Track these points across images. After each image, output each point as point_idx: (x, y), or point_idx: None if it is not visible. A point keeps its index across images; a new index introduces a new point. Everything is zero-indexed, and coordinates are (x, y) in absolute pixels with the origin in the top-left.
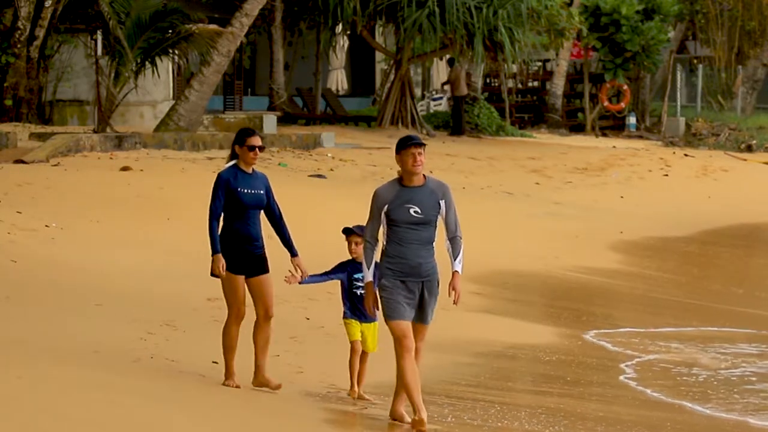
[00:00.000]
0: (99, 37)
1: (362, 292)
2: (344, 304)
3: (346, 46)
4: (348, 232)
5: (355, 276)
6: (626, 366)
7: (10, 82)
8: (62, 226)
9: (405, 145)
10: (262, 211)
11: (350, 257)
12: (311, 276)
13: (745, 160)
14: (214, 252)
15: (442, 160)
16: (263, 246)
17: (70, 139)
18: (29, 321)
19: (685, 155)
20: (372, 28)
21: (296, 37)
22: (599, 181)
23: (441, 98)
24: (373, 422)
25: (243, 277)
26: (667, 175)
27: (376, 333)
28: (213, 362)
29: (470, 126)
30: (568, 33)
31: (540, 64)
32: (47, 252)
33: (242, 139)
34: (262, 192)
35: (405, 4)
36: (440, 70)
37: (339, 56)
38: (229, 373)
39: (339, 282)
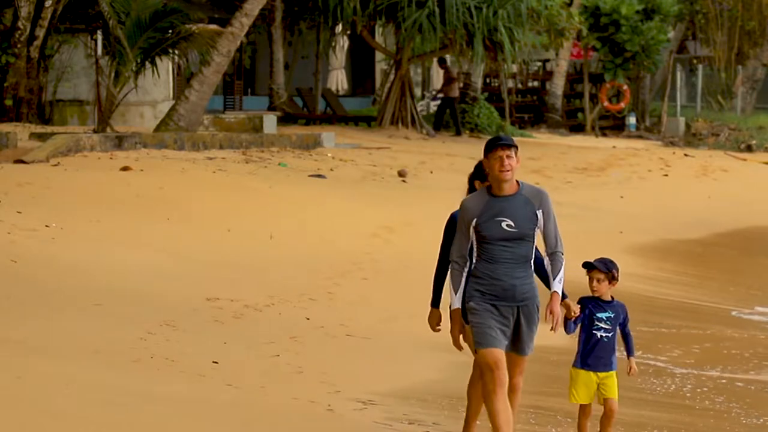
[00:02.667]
0: (99, 37)
1: (602, 334)
2: (579, 347)
3: (346, 46)
4: (589, 267)
5: (597, 315)
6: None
7: (10, 82)
8: (62, 226)
9: (491, 147)
10: None
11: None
12: (572, 323)
13: (745, 160)
14: (432, 305)
15: (442, 160)
16: None
17: (70, 139)
18: (29, 321)
19: (685, 155)
20: (372, 28)
21: (296, 37)
22: (599, 181)
23: (439, 98)
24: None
25: None
26: (667, 175)
27: (615, 382)
28: (213, 362)
29: (470, 126)
30: (568, 33)
31: (540, 64)
32: (47, 252)
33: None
34: None
35: (405, 4)
36: (440, 70)
37: (339, 56)
38: None
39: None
